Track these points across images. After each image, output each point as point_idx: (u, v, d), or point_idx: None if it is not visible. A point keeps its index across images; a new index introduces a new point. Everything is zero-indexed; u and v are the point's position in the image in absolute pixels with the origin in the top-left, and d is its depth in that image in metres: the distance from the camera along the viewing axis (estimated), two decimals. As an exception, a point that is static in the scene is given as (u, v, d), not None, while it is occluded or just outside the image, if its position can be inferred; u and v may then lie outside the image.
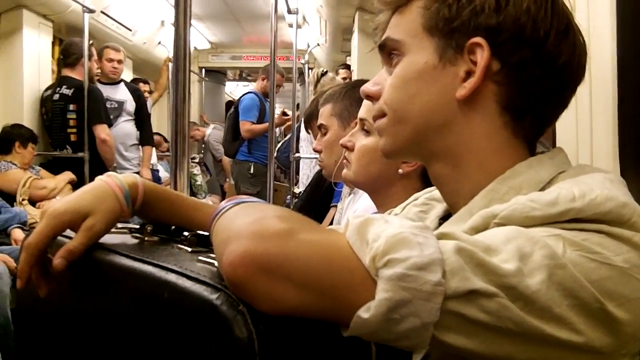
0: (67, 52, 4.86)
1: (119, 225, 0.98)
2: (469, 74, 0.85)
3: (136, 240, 0.94)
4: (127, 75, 6.10)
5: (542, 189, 0.82)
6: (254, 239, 0.65)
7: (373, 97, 0.95)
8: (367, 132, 1.60)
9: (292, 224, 0.68)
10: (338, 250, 0.68)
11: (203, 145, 8.95)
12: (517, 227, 0.71)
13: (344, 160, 1.66)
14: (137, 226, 0.99)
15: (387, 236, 0.66)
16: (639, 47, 1.09)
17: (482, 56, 0.84)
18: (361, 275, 0.66)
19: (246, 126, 5.83)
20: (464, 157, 0.89)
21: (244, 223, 0.68)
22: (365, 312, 0.65)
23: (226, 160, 8.00)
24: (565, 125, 1.26)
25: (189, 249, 0.85)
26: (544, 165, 0.86)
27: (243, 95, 6.22)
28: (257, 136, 5.87)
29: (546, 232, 0.70)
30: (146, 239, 0.94)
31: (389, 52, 0.93)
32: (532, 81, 0.85)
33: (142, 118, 5.47)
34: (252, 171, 5.90)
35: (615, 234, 0.71)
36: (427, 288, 0.64)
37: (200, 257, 0.78)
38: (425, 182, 1.32)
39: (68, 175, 4.64)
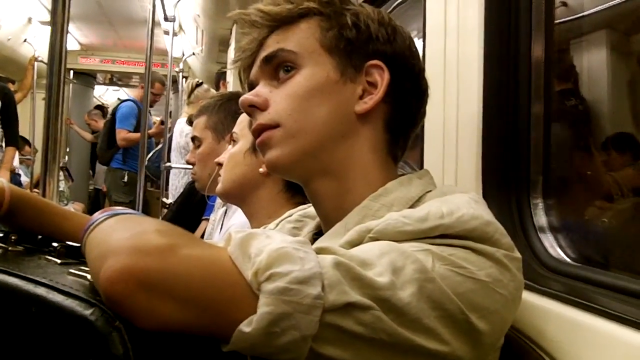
0: None
1: None
2: (364, 92, 0.93)
3: None
4: (-11, 72, 5.77)
5: (412, 207, 0.88)
6: (134, 254, 0.63)
7: (258, 107, 0.94)
8: (234, 142, 1.62)
9: (173, 238, 0.67)
10: (220, 265, 0.68)
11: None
12: (390, 242, 0.75)
13: (219, 177, 1.66)
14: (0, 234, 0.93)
15: (270, 251, 0.67)
16: (503, 79, 1.16)
17: (382, 77, 0.92)
18: (243, 290, 0.66)
19: (122, 134, 5.66)
20: (351, 170, 0.93)
21: (123, 237, 0.66)
22: (246, 327, 0.65)
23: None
24: (433, 148, 1.32)
25: (58, 261, 0.81)
26: (412, 184, 0.92)
27: (121, 102, 6.03)
28: (133, 145, 5.71)
29: (417, 247, 0.74)
30: (10, 248, 0.88)
31: (277, 64, 0.94)
32: (408, 107, 0.95)
33: (9, 117, 5.21)
34: (125, 180, 5.73)
35: (479, 249, 0.76)
36: (308, 301, 0.65)
37: (71, 270, 0.74)
38: (288, 182, 1.35)
39: None
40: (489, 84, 1.15)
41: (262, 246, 0.68)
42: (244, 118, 1.67)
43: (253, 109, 0.95)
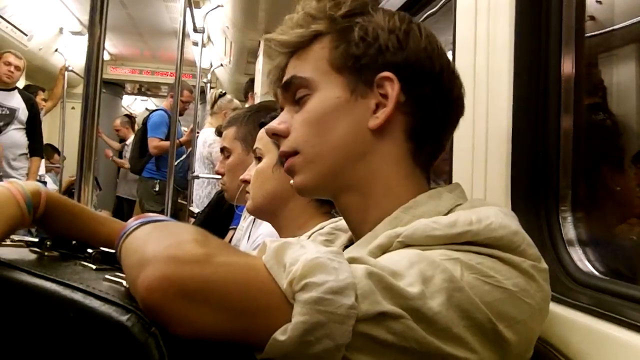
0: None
1: (15, 237, 0.93)
2: (378, 106, 0.92)
3: (35, 255, 0.88)
4: (20, 81, 5.86)
5: None
6: (171, 263, 0.64)
7: (280, 135, 0.97)
8: (259, 159, 1.64)
9: (210, 248, 0.68)
10: (255, 274, 0.69)
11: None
12: (419, 251, 0.76)
13: (247, 194, 1.68)
14: (35, 239, 0.93)
15: (305, 260, 0.68)
16: (532, 92, 1.16)
17: (392, 88, 0.91)
18: (278, 299, 0.67)
19: (154, 142, 5.70)
20: (374, 185, 0.94)
21: (160, 246, 0.67)
22: (281, 335, 0.66)
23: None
24: (461, 162, 1.32)
25: (94, 267, 0.82)
26: (442, 198, 0.92)
27: (152, 111, 6.10)
28: (164, 153, 5.76)
29: (445, 256, 0.75)
30: (46, 254, 0.89)
31: (294, 90, 0.96)
32: (432, 112, 0.93)
33: (34, 128, 5.28)
34: (157, 189, 5.76)
35: (506, 259, 0.76)
36: (342, 311, 0.66)
37: (107, 276, 0.75)
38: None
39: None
40: (518, 97, 1.15)
41: (297, 255, 0.69)
42: (264, 133, 1.68)
43: (277, 136, 0.98)
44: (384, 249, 0.81)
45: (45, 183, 6.33)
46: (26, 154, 5.25)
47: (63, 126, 7.46)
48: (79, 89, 8.03)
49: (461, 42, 1.36)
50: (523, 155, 1.15)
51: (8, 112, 5.03)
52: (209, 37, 6.76)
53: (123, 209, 8.33)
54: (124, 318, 0.64)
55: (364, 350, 0.69)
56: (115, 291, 0.69)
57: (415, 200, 0.91)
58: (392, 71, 0.91)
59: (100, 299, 0.67)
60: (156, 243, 0.69)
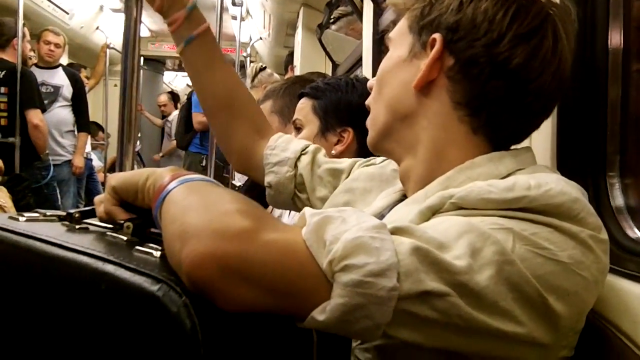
0: (-4, 34, 4.67)
1: (48, 212, 0.93)
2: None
3: (65, 228, 0.88)
4: (63, 60, 5.94)
5: None
6: (216, 239, 0.64)
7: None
8: (299, 129, 1.63)
9: (253, 221, 0.67)
10: (296, 252, 0.68)
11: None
12: (470, 219, 0.73)
13: None
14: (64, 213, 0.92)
15: (345, 241, 0.67)
16: (579, 55, 1.12)
17: (434, 50, 0.89)
18: (317, 279, 0.67)
19: (199, 118, 5.67)
20: (422, 146, 0.93)
21: (204, 219, 0.67)
22: (320, 315, 0.67)
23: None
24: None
25: (124, 238, 0.82)
26: (503, 161, 0.89)
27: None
28: (209, 128, 5.78)
29: (498, 225, 0.72)
30: (77, 226, 0.88)
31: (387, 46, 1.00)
32: (482, 79, 0.88)
33: (79, 104, 5.35)
34: (204, 163, 5.76)
35: (564, 228, 0.73)
36: (383, 294, 0.66)
37: (137, 247, 0.76)
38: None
39: (-6, 164, 4.46)
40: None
41: (338, 233, 0.68)
42: (304, 104, 1.67)
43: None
44: (435, 210, 0.79)
45: (90, 160, 6.43)
46: (72, 130, 5.34)
47: (106, 103, 7.55)
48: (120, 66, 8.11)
49: None
50: (569, 121, 1.12)
51: (52, 90, 5.11)
52: (247, 11, 6.74)
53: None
54: (154, 288, 0.65)
55: (405, 326, 0.69)
56: (145, 262, 0.70)
57: (473, 162, 0.89)
58: (442, 33, 0.89)
59: (131, 270, 0.68)
60: (198, 213, 0.69)
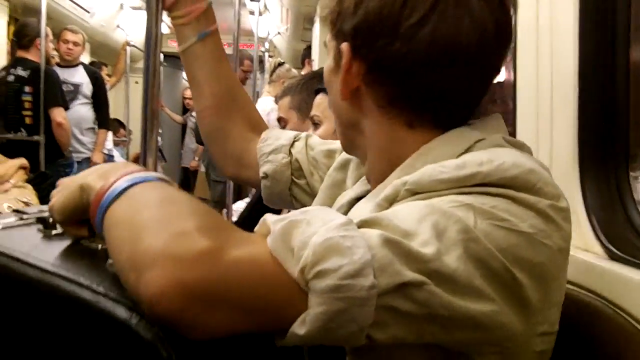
0: (20, 34, 4.73)
1: (29, 210, 0.92)
2: None
3: (41, 236, 0.85)
4: (84, 58, 5.99)
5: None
6: (175, 267, 0.60)
7: None
8: (317, 125, 1.63)
9: (215, 239, 0.63)
10: (263, 266, 0.65)
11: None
12: (428, 201, 0.72)
13: None
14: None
15: (315, 244, 0.64)
16: (600, 47, 1.12)
17: (343, 60, 0.86)
18: (290, 290, 0.64)
19: None
20: (372, 149, 0.93)
21: (161, 240, 0.62)
22: (300, 328, 0.64)
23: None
24: (526, 123, 1.29)
25: (99, 246, 0.79)
26: (462, 137, 0.86)
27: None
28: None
29: (456, 203, 0.71)
30: (53, 232, 0.85)
31: None
32: (394, 78, 0.85)
33: (99, 101, 5.38)
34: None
35: (522, 199, 0.72)
36: (362, 294, 0.63)
37: (111, 260, 0.71)
38: None
39: (20, 161, 4.49)
40: (584, 52, 1.11)
41: (306, 237, 0.65)
42: (322, 99, 1.68)
43: None
44: (391, 200, 0.77)
45: (112, 157, 6.48)
46: (93, 128, 5.37)
47: (127, 100, 7.60)
48: (141, 63, 8.10)
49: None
50: (591, 115, 1.12)
51: (72, 88, 5.15)
52: (265, 5, 6.75)
53: (189, 180, 8.50)
54: (126, 316, 0.63)
55: (388, 325, 0.67)
56: (118, 282, 0.67)
57: (428, 146, 0.86)
58: (349, 41, 0.86)
59: (104, 295, 0.65)
60: (153, 231, 0.64)
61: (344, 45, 0.86)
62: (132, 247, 0.64)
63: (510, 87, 1.28)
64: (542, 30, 1.22)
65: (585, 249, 1.08)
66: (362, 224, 0.68)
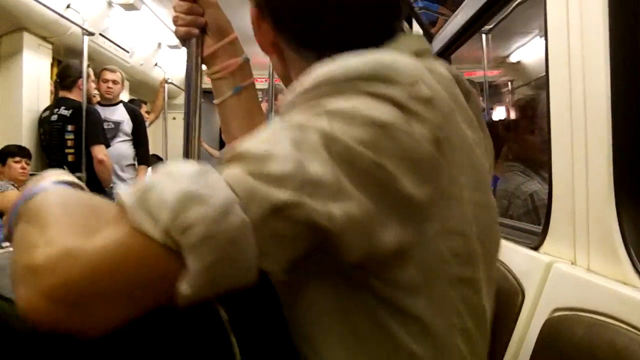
0: (63, 75, 4.86)
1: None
2: None
3: None
4: (124, 96, 6.12)
5: None
6: (38, 276, 0.58)
7: None
8: None
9: (76, 236, 0.61)
10: (129, 243, 0.61)
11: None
12: (283, 119, 0.71)
13: None
14: None
15: (172, 202, 0.61)
16: (633, 73, 1.12)
17: (254, 21, 0.96)
18: (162, 255, 0.61)
19: None
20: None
21: (23, 254, 0.61)
22: (186, 289, 0.61)
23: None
24: (561, 154, 1.29)
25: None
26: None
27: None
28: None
29: (309, 114, 0.70)
30: None
31: None
32: (298, 20, 0.88)
33: (139, 138, 5.48)
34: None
35: (375, 92, 0.70)
36: (235, 233, 0.61)
37: None
38: None
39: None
40: (616, 81, 1.12)
41: (161, 198, 0.61)
42: None
43: None
44: None
45: (151, 192, 6.55)
46: (133, 164, 5.46)
47: (166, 136, 7.72)
48: (178, 100, 8.28)
49: (553, 27, 1.33)
50: (625, 143, 1.12)
51: (113, 126, 5.27)
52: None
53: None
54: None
55: (276, 253, 0.65)
56: None
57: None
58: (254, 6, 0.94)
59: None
60: (18, 246, 0.63)
61: (252, 10, 0.94)
62: (13, 259, 0.62)
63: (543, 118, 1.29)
64: (573, 61, 1.23)
65: (624, 281, 1.07)
66: (230, 160, 0.67)
